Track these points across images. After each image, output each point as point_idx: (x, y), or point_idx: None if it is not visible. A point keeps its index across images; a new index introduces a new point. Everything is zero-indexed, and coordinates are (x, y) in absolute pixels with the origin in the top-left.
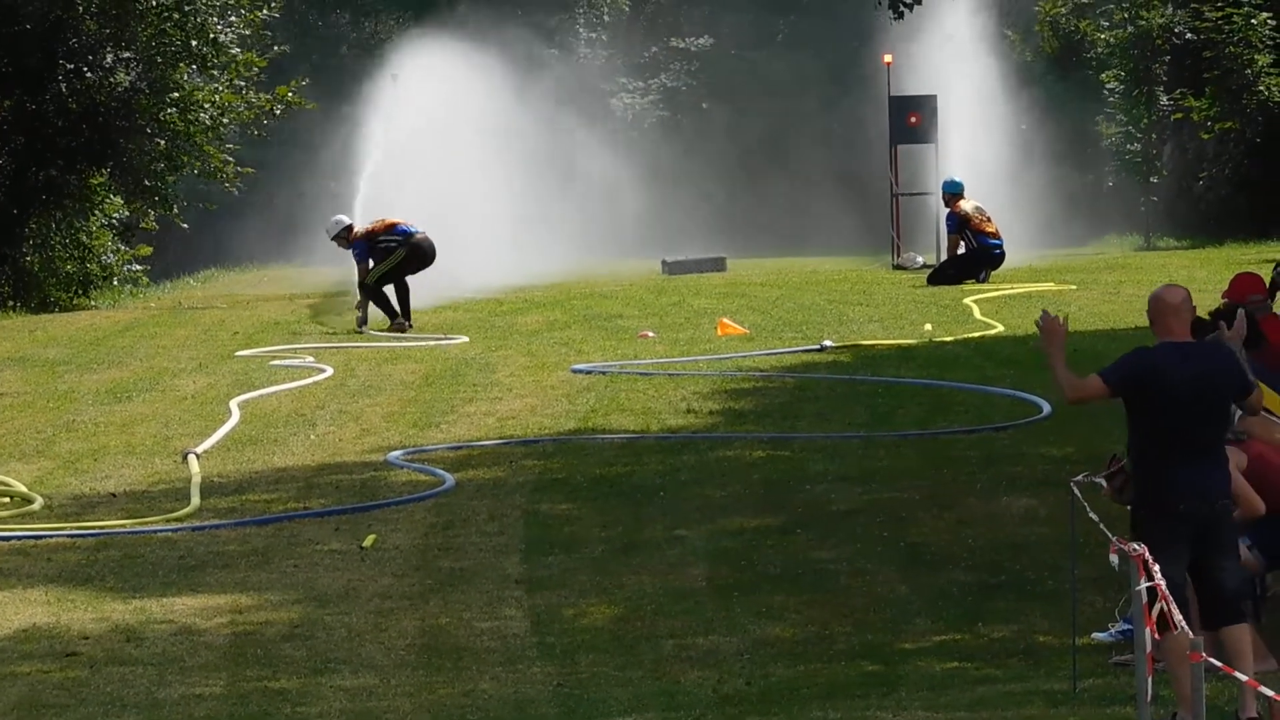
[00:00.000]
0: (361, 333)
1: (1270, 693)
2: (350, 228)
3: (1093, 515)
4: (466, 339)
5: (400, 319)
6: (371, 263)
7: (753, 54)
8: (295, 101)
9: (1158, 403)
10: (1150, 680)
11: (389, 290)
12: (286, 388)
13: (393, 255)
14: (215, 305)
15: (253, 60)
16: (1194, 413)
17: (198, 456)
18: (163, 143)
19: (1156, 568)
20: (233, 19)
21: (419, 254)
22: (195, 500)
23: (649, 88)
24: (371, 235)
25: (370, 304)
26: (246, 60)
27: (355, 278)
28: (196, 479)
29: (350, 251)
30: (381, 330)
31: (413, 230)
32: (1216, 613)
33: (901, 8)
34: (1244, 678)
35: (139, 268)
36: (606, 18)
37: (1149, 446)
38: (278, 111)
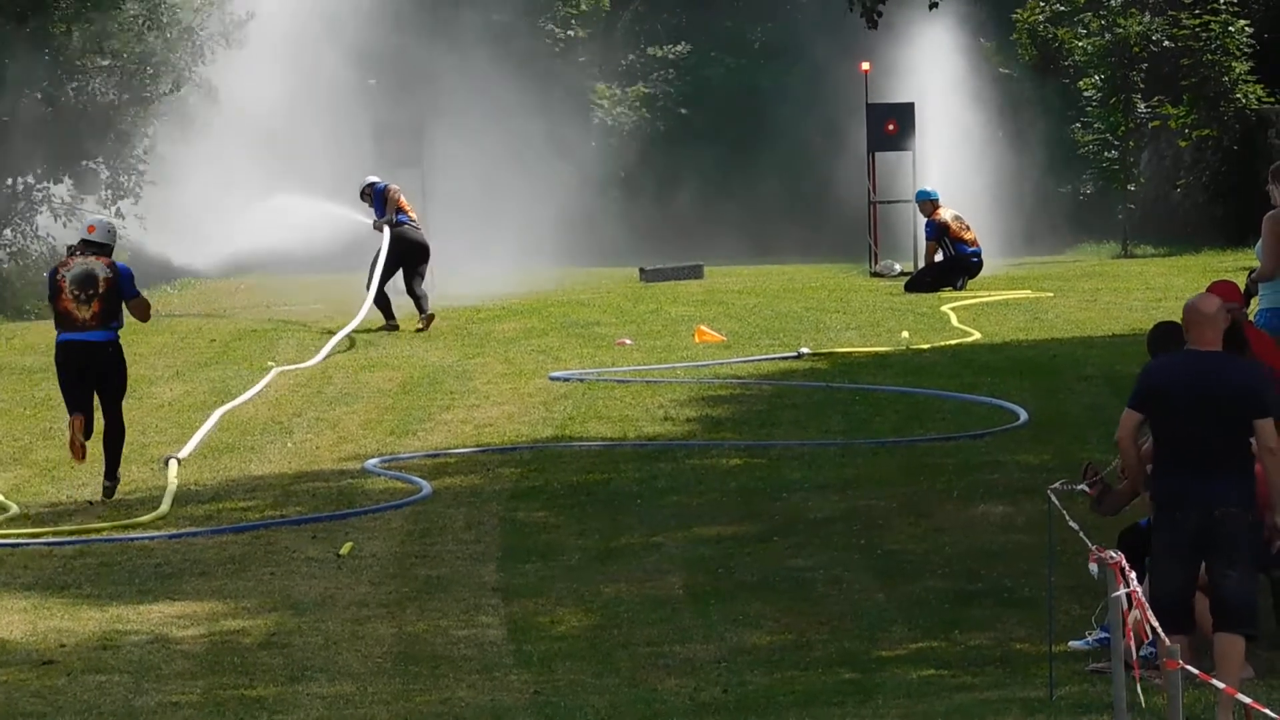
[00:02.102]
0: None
1: (1248, 700)
2: (373, 186)
3: (1073, 524)
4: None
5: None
6: (387, 234)
7: (730, 61)
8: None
9: (1163, 410)
10: (1126, 688)
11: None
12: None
13: (388, 251)
14: (192, 313)
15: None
16: (1196, 421)
17: (179, 462)
18: (141, 151)
19: (1133, 575)
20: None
21: (403, 246)
22: (165, 506)
23: (626, 95)
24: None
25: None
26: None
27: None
28: (173, 485)
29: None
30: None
31: (404, 219)
32: (1217, 618)
33: (875, 17)
34: (1221, 685)
35: None
36: (580, 25)
37: (1159, 452)
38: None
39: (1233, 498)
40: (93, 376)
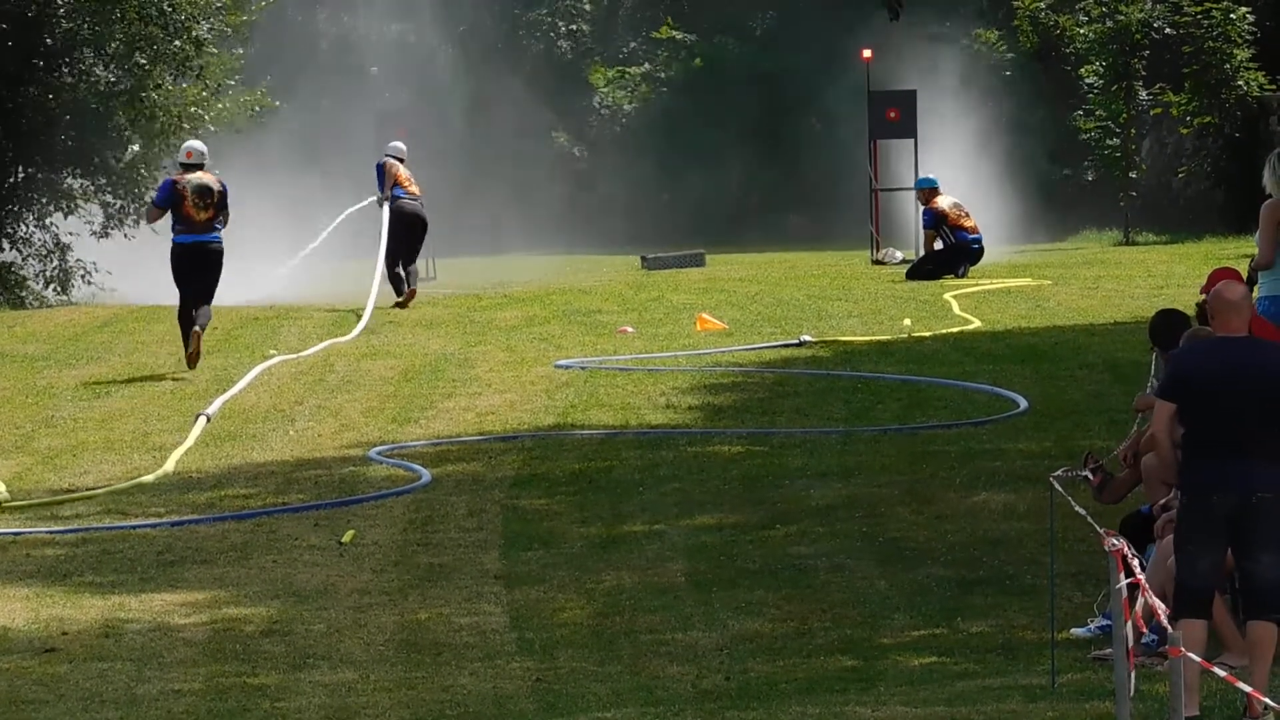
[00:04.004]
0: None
1: (1247, 688)
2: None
3: (1079, 509)
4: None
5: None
6: (387, 209)
7: (733, 48)
8: (264, 103)
9: (1198, 398)
10: (1130, 675)
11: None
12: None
13: (389, 228)
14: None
15: (227, 61)
16: (1228, 406)
17: (208, 419)
18: (140, 142)
19: (1136, 563)
20: (214, 21)
21: (403, 220)
22: (169, 465)
23: (629, 80)
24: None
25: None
26: (225, 63)
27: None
28: (188, 444)
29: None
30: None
31: (401, 194)
32: (1249, 605)
33: (898, 7)
34: (1221, 673)
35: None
36: (588, 8)
37: (1190, 439)
38: (253, 113)
39: (1269, 482)
40: (200, 269)
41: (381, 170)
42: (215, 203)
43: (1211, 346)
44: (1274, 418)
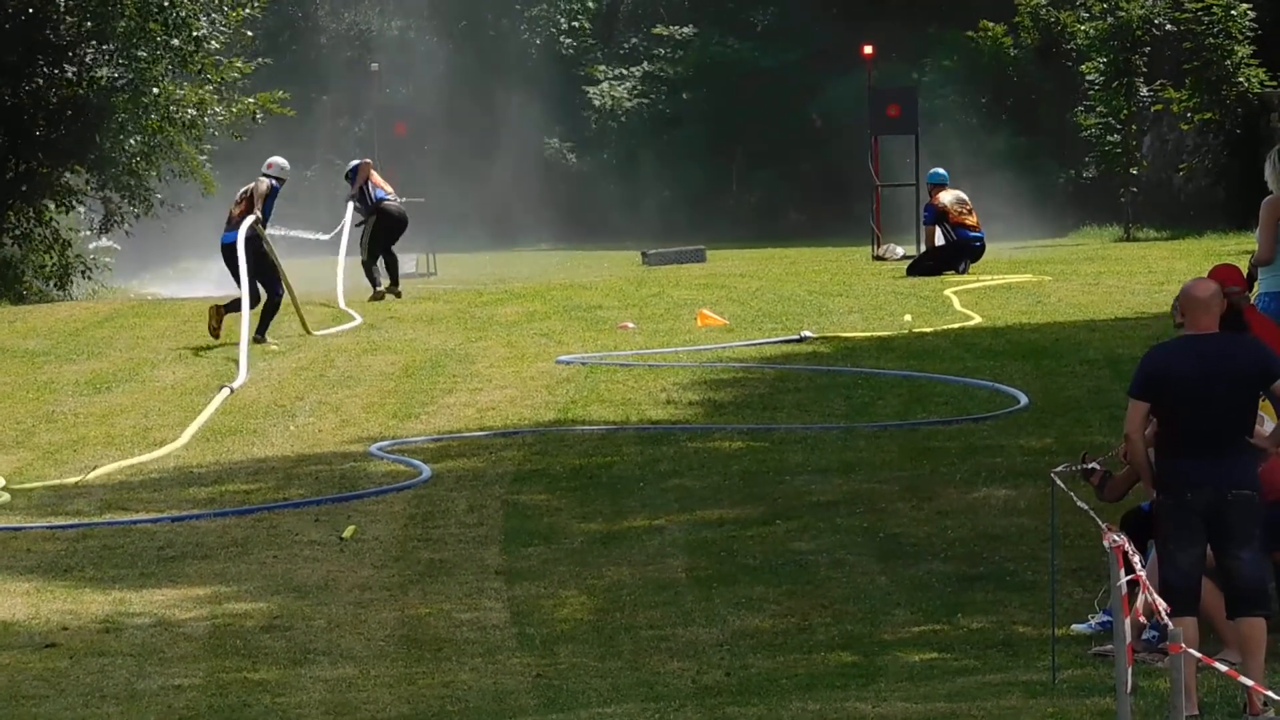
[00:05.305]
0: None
1: (1249, 682)
2: (357, 168)
3: (1081, 504)
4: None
5: (381, 290)
6: (352, 207)
7: (734, 43)
8: (277, 110)
9: (1170, 397)
10: (1130, 671)
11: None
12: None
13: (366, 225)
14: (193, 296)
15: (237, 67)
16: (1204, 404)
17: (232, 390)
18: (138, 139)
19: (1137, 559)
20: (214, 16)
21: (387, 221)
22: (184, 438)
23: (630, 76)
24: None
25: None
26: (230, 68)
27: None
28: (203, 418)
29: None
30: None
31: (384, 196)
32: (1232, 603)
33: None
34: (1223, 668)
35: (108, 259)
36: (591, 4)
37: (1165, 436)
38: (259, 119)
39: (1244, 479)
40: (229, 266)
41: (355, 171)
42: (247, 196)
43: (1182, 344)
44: (1246, 412)
